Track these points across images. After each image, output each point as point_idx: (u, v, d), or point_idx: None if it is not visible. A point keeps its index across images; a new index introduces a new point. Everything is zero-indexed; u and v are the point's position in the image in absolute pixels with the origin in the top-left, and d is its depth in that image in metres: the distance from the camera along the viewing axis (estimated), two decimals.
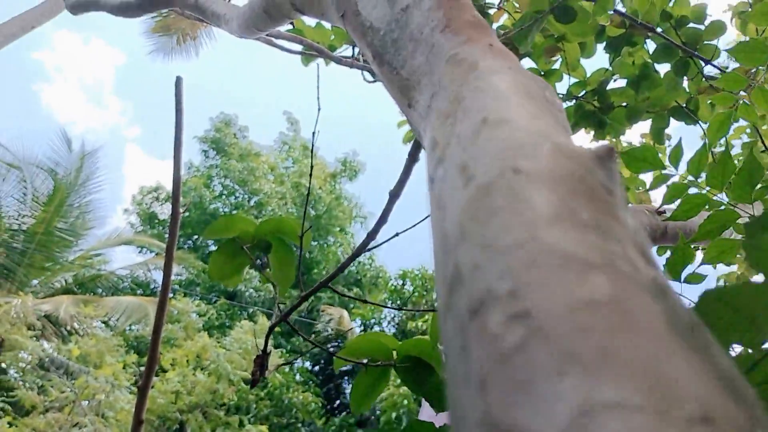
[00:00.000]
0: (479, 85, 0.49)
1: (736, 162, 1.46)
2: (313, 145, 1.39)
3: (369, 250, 1.33)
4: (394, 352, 1.79)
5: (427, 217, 1.45)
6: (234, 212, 23.74)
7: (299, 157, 26.35)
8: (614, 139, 4.27)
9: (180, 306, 15.34)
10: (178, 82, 2.61)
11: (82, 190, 17.52)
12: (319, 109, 1.61)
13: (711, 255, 1.31)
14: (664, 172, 1.60)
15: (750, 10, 4.02)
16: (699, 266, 1.34)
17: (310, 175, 1.49)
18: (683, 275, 1.21)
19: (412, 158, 1.18)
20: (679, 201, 1.43)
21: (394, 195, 1.26)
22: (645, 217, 1.76)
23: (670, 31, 2.97)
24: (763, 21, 3.15)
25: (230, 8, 1.47)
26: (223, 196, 24.83)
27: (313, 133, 1.56)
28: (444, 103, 0.53)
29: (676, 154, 1.49)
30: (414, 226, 1.30)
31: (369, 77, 2.57)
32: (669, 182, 1.62)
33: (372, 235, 1.33)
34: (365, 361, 1.70)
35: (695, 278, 1.33)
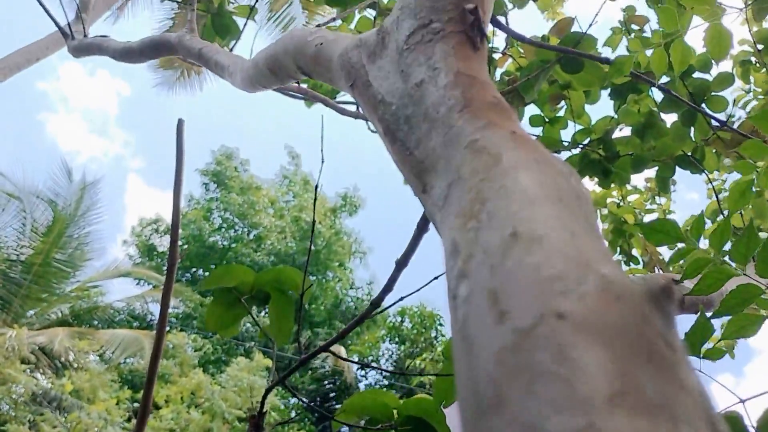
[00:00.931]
0: (505, 185, 0.45)
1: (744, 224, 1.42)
2: (315, 201, 1.34)
3: (373, 315, 1.28)
4: (395, 412, 1.72)
5: (433, 280, 1.42)
6: (233, 245, 23.68)
7: (300, 191, 26.36)
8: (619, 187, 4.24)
9: (176, 341, 15.19)
10: (180, 124, 2.58)
11: (81, 221, 17.49)
12: (323, 162, 1.57)
13: (732, 330, 1.25)
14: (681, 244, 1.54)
15: (752, 59, 4.02)
16: (718, 342, 1.29)
17: (312, 232, 1.44)
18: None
19: (421, 230, 1.14)
20: (700, 274, 1.38)
21: (401, 264, 1.21)
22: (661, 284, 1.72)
23: (679, 86, 2.94)
24: None
25: (234, 60, 1.44)
26: (223, 229, 24.77)
27: (316, 186, 1.51)
28: (464, 198, 0.48)
29: (699, 226, 1.44)
30: (419, 290, 1.25)
31: (374, 127, 2.53)
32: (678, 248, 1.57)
33: (377, 302, 1.28)
34: (363, 423, 1.63)
35: (714, 353, 1.27)
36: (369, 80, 0.75)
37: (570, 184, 0.46)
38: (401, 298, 1.31)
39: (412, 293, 1.27)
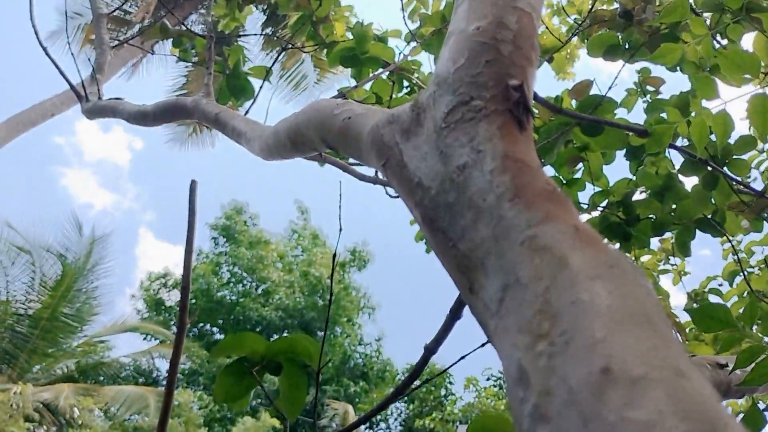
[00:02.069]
0: (580, 298, 0.38)
1: None
2: (332, 275, 1.28)
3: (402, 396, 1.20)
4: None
5: (475, 349, 1.34)
6: (241, 300, 23.55)
7: (308, 246, 26.33)
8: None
9: (181, 399, 14.98)
10: (193, 186, 2.53)
11: (90, 275, 17.48)
12: (341, 230, 1.51)
13: None
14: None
15: None
16: None
17: (329, 302, 1.37)
18: None
19: (454, 315, 1.07)
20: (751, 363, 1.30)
21: (431, 351, 1.14)
22: (707, 371, 1.63)
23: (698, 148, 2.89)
24: None
25: (252, 127, 1.39)
26: (231, 284, 24.67)
27: (334, 255, 1.45)
28: (527, 309, 0.42)
29: (752, 313, 1.37)
30: (463, 357, 1.18)
31: (393, 192, 2.49)
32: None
33: (402, 389, 1.20)
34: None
35: None
36: (404, 160, 0.69)
37: (652, 296, 0.40)
38: (462, 357, 1.23)
39: (456, 362, 1.19)
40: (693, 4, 2.97)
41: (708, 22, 2.91)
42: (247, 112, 2.69)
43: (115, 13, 15.41)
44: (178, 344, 2.44)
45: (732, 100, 2.15)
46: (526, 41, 0.73)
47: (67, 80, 2.41)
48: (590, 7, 3.16)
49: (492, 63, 0.69)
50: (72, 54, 2.44)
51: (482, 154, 0.60)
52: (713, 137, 2.31)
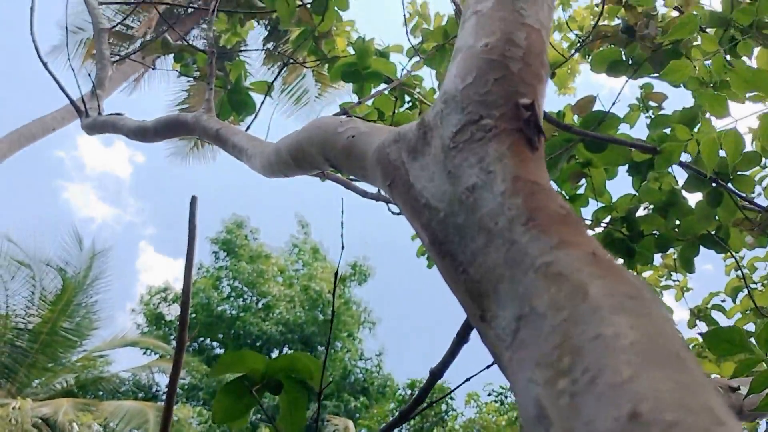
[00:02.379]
0: (602, 333, 0.36)
1: None
2: (333, 297, 1.25)
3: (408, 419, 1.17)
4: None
5: (481, 371, 1.31)
6: (241, 314, 23.47)
7: (309, 260, 26.28)
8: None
9: (181, 415, 14.90)
10: (193, 202, 2.51)
11: (90, 289, 17.44)
12: (342, 248, 1.49)
13: None
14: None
15: None
16: None
17: (331, 320, 1.35)
18: None
19: (461, 338, 1.05)
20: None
21: (436, 375, 1.12)
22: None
23: (702, 164, 2.87)
24: None
25: (253, 143, 1.37)
26: (231, 298, 24.59)
27: (336, 272, 1.43)
28: (545, 342, 0.39)
29: (767, 336, 1.34)
30: (468, 380, 1.15)
31: (395, 209, 2.46)
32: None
33: (407, 414, 1.17)
34: None
35: None
36: (410, 180, 0.67)
37: (675, 330, 0.37)
38: (455, 388, 1.20)
39: (461, 384, 1.16)
40: (700, 21, 2.96)
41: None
42: (248, 128, 2.67)
43: (117, 28, 15.47)
44: (178, 360, 2.41)
45: (744, 118, 2.14)
46: (535, 58, 0.70)
47: (67, 95, 2.39)
48: (594, 22, 3.15)
49: (501, 81, 0.67)
50: (72, 69, 2.42)
51: (492, 175, 0.57)
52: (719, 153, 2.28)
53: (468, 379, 1.13)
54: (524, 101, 0.64)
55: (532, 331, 0.42)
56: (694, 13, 2.39)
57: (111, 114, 2.26)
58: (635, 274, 4.44)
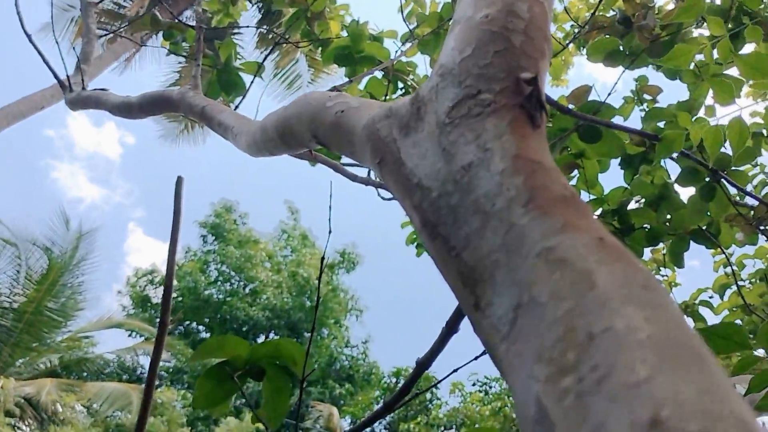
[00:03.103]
0: (613, 327, 0.32)
1: None
2: (318, 291, 1.21)
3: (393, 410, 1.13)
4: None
5: (468, 362, 1.27)
6: (228, 299, 23.42)
7: (298, 246, 26.23)
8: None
9: (164, 398, 14.87)
10: (179, 183, 2.45)
11: (76, 270, 17.36)
12: (330, 231, 1.45)
13: None
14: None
15: (764, 132, 3.93)
16: None
17: (317, 305, 1.31)
18: None
19: (450, 328, 1.00)
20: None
21: (423, 366, 1.07)
22: None
23: (697, 157, 2.84)
24: None
25: (240, 121, 1.32)
26: (219, 282, 24.55)
27: (323, 258, 1.38)
28: (547, 334, 0.35)
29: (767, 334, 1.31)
30: (455, 371, 1.11)
31: (385, 194, 2.42)
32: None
33: (392, 404, 1.13)
34: None
35: None
36: (401, 158, 0.62)
37: (688, 324, 0.33)
38: (454, 370, 1.16)
39: (448, 375, 1.13)
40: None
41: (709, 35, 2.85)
42: (236, 108, 2.62)
43: (108, 6, 15.30)
44: (159, 342, 2.37)
45: (746, 108, 2.09)
46: (538, 32, 0.66)
47: (51, 69, 2.32)
48: (593, 11, 3.10)
49: (502, 53, 0.62)
50: (57, 43, 2.35)
51: (490, 152, 0.53)
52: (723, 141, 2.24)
53: (456, 370, 1.10)
54: (526, 75, 0.60)
55: (532, 321, 0.37)
56: None
57: (95, 89, 2.20)
58: None
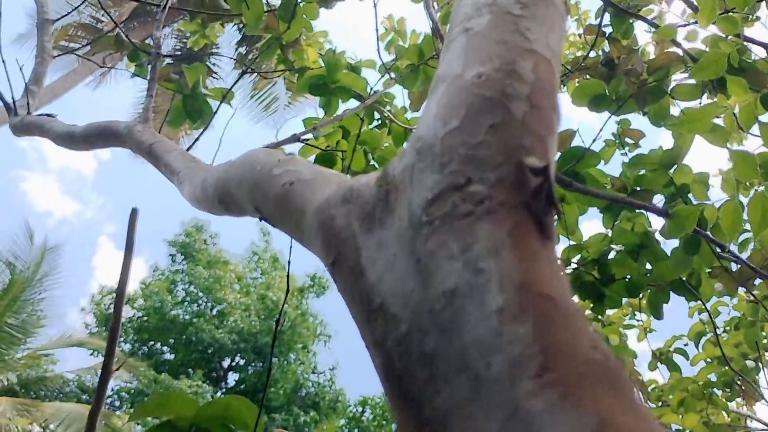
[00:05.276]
0: None
1: None
2: (286, 293, 1.05)
3: None
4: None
5: None
6: (195, 320, 23.01)
7: (268, 269, 25.91)
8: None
9: (122, 423, 14.48)
10: (133, 214, 2.28)
11: (38, 285, 16.96)
12: (291, 247, 1.29)
13: None
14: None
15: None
16: None
17: (277, 322, 1.14)
18: None
19: None
20: None
21: None
22: None
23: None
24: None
25: (188, 166, 1.15)
26: (186, 303, 24.12)
27: (288, 274, 1.22)
28: None
29: None
30: None
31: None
32: None
33: None
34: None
35: None
36: (361, 263, 0.45)
37: None
38: None
39: None
40: (686, 59, 2.82)
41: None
42: (199, 137, 2.45)
43: (86, 21, 15.11)
44: (101, 390, 2.20)
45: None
46: (545, 99, 0.50)
47: None
48: (572, 54, 2.98)
49: (499, 128, 0.46)
50: (3, 62, 2.15)
51: (483, 276, 0.36)
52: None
53: None
54: (532, 162, 0.44)
55: None
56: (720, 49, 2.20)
57: (41, 115, 2.01)
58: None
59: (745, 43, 2.14)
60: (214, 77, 15.21)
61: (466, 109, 0.48)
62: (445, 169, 0.45)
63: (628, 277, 3.11)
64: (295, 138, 2.18)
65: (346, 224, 0.50)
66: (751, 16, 2.64)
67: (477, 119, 0.48)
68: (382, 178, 0.51)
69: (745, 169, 1.88)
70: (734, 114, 2.38)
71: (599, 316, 4.47)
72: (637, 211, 3.30)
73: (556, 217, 0.43)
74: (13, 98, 2.08)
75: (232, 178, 0.80)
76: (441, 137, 0.48)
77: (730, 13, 2.36)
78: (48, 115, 1.99)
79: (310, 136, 2.43)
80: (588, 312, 3.98)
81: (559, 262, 0.39)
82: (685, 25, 3.15)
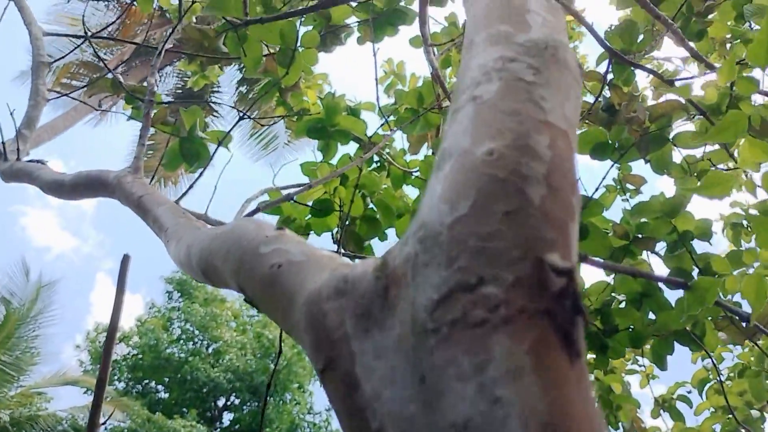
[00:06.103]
0: None
1: None
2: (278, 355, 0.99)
3: None
4: None
5: None
6: (190, 359, 22.79)
7: None
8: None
9: None
10: (125, 261, 2.22)
11: (33, 322, 16.83)
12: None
13: None
14: None
15: (744, 223, 3.79)
16: None
17: (276, 361, 1.08)
18: None
19: None
20: None
21: None
22: None
23: (686, 259, 2.67)
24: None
25: (178, 222, 1.09)
26: (181, 341, 23.91)
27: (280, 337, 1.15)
28: None
29: None
30: None
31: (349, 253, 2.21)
32: None
33: None
34: None
35: None
36: (356, 373, 0.38)
37: None
38: None
39: None
40: (689, 107, 2.79)
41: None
42: (196, 180, 2.41)
43: (89, 59, 15.19)
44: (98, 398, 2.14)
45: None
46: (564, 179, 0.44)
47: None
48: (591, 105, 2.95)
49: (515, 217, 0.39)
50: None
51: (503, 408, 0.30)
52: None
53: None
54: (554, 260, 0.37)
55: None
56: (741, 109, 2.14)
57: (31, 161, 1.96)
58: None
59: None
60: (214, 116, 15.26)
61: (476, 192, 0.42)
62: (453, 264, 0.39)
63: (632, 327, 3.03)
64: (289, 197, 2.13)
65: (339, 322, 0.43)
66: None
67: (489, 205, 0.41)
68: (380, 269, 0.44)
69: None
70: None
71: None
72: (639, 258, 3.25)
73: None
74: (2, 142, 2.03)
75: (218, 252, 0.73)
76: (448, 225, 0.41)
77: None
78: (38, 161, 1.93)
79: (304, 186, 2.38)
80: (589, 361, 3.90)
81: (590, 389, 0.33)
82: (693, 78, 3.12)
